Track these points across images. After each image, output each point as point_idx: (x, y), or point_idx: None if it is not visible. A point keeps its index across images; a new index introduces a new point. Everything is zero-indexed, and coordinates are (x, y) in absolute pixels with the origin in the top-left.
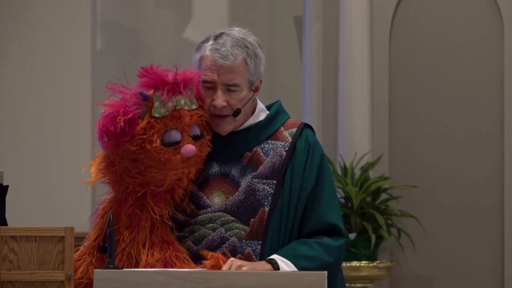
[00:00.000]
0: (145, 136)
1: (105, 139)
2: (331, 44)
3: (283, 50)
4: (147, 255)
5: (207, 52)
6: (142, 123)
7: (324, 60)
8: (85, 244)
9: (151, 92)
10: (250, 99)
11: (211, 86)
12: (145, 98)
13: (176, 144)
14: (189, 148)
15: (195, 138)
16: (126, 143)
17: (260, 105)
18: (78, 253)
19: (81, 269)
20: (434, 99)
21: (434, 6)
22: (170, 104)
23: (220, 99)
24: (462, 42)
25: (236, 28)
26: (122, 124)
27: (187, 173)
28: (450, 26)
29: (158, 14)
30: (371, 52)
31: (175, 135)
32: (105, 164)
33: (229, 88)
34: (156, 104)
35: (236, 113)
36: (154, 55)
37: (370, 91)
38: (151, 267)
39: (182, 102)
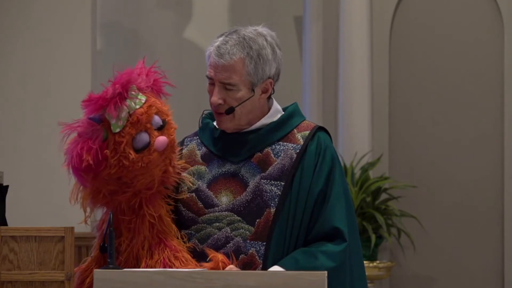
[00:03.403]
0: (118, 155)
1: (84, 177)
2: (331, 44)
3: (283, 50)
4: (146, 257)
5: (211, 49)
6: (109, 147)
7: (324, 60)
8: (92, 255)
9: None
10: (249, 99)
11: (212, 83)
12: (99, 121)
13: (148, 145)
14: (161, 140)
15: (160, 128)
16: (104, 170)
17: (276, 106)
18: (85, 264)
19: (88, 279)
20: (434, 99)
21: (434, 6)
22: (123, 114)
23: (215, 96)
24: (462, 42)
25: (254, 27)
26: (91, 161)
27: (169, 162)
28: (450, 26)
29: (158, 14)
30: (371, 52)
31: (143, 138)
32: (91, 195)
33: (225, 87)
34: (112, 121)
35: (228, 111)
36: (154, 55)
37: (370, 91)
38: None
39: (133, 104)
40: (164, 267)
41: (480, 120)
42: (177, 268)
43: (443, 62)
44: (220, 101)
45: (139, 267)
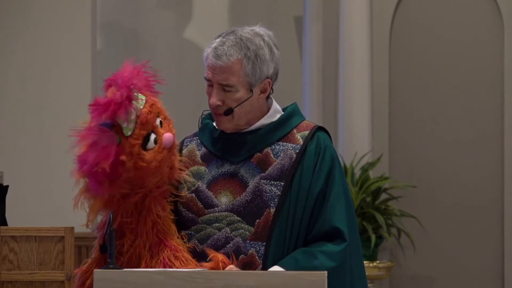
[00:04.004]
0: (134, 158)
1: (102, 185)
2: (331, 44)
3: (283, 50)
4: (146, 257)
5: (209, 50)
6: (125, 151)
7: (324, 60)
8: (92, 256)
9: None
10: (247, 99)
11: (210, 84)
12: (111, 126)
13: (156, 143)
14: (167, 137)
15: (161, 124)
16: (121, 175)
17: (275, 106)
18: (86, 265)
19: (88, 281)
20: (434, 99)
21: (434, 6)
22: (133, 116)
23: (214, 98)
24: (462, 42)
25: (251, 27)
26: (108, 168)
27: (174, 157)
28: (450, 26)
29: (158, 14)
30: (371, 52)
31: (152, 138)
32: (105, 202)
33: (224, 88)
34: (124, 125)
35: (227, 112)
36: (154, 55)
37: (370, 91)
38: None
39: (138, 105)
40: (164, 267)
41: (480, 120)
42: (177, 268)
43: (443, 62)
44: (219, 103)
45: (140, 267)
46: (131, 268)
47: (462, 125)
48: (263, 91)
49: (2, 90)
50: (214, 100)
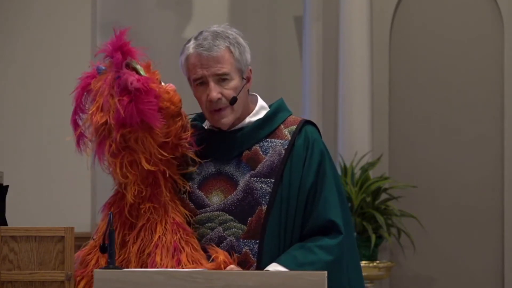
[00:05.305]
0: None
1: (157, 115)
2: (331, 44)
3: (283, 50)
4: (160, 235)
5: (191, 50)
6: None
7: (324, 60)
8: (94, 238)
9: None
10: (243, 87)
11: (202, 81)
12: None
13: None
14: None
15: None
16: (161, 107)
17: (261, 103)
18: (87, 247)
19: (92, 262)
20: (434, 99)
21: (434, 6)
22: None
23: (214, 91)
24: (462, 42)
25: (215, 26)
26: (138, 84)
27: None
28: (450, 26)
29: (158, 14)
30: (371, 52)
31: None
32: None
33: (220, 78)
34: (137, 66)
35: (233, 101)
36: (154, 55)
37: (370, 91)
38: (162, 247)
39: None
40: (174, 250)
41: (480, 120)
42: (187, 253)
43: (443, 62)
44: (219, 95)
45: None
46: (144, 237)
47: (462, 125)
48: (247, 80)
49: (2, 90)
50: (214, 94)
